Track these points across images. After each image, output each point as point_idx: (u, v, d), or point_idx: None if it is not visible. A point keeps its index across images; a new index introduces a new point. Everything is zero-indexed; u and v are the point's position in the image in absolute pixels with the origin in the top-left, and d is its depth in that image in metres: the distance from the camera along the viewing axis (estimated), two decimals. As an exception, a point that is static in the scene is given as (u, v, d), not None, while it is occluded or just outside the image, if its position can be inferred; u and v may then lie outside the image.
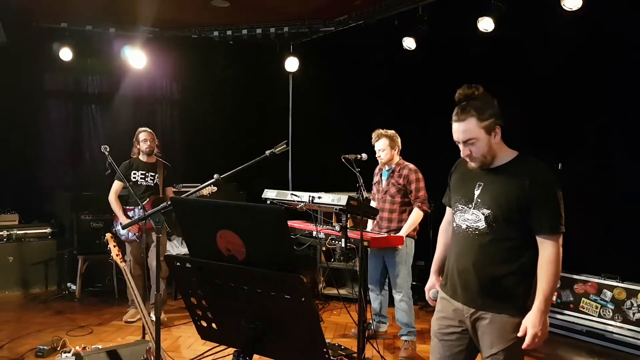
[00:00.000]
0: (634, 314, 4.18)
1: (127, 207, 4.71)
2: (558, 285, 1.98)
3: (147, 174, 4.73)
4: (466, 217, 2.11)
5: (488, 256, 2.05)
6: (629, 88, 4.39)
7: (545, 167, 2.03)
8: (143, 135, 4.73)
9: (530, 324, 1.95)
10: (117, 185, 4.66)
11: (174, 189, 5.05)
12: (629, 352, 4.12)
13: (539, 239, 1.98)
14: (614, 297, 4.29)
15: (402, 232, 3.97)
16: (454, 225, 2.19)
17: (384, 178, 4.20)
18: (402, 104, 6.17)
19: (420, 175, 4.07)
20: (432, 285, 2.41)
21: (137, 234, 4.57)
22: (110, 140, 5.49)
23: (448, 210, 2.41)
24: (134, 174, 4.69)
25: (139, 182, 4.69)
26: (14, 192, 6.14)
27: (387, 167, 4.19)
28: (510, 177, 2.02)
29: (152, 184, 4.73)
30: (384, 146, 4.08)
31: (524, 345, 1.96)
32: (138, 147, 4.75)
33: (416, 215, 4.00)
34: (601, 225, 4.56)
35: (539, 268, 1.98)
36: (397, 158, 4.16)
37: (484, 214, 2.04)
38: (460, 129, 2.04)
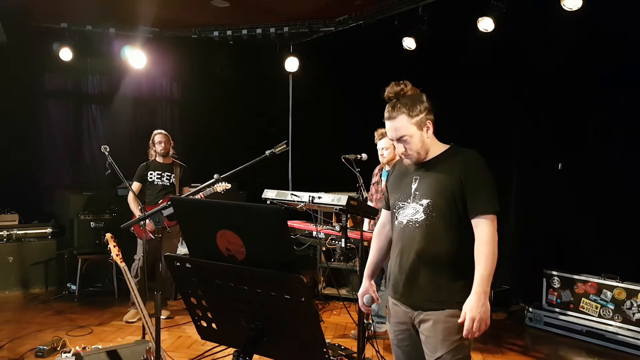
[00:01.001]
0: (634, 314, 4.18)
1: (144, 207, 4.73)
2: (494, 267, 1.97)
3: (163, 174, 4.87)
4: (406, 212, 2.09)
5: (428, 246, 2.00)
6: (629, 88, 4.40)
7: (476, 153, 2.05)
8: (158, 138, 4.90)
9: (468, 308, 1.89)
10: (135, 186, 4.78)
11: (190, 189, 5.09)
12: (629, 352, 4.12)
13: (475, 221, 1.97)
14: (614, 297, 4.30)
15: None
16: (395, 222, 2.15)
17: (384, 178, 4.18)
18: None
19: None
20: (366, 290, 2.33)
21: (153, 232, 4.57)
22: (110, 140, 5.51)
23: (383, 212, 2.37)
24: (150, 174, 4.85)
25: (155, 182, 4.84)
26: (14, 192, 6.14)
27: (387, 167, 4.19)
28: (445, 166, 2.04)
29: (168, 184, 4.87)
30: (388, 145, 4.06)
31: (464, 333, 1.90)
32: (154, 148, 4.91)
33: None
34: (601, 225, 4.57)
35: (476, 250, 1.95)
36: (397, 158, 4.14)
37: (422, 205, 2.03)
38: (392, 127, 2.07)
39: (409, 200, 2.08)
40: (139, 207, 4.61)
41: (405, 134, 2.04)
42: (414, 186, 2.09)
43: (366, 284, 2.34)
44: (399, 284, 2.10)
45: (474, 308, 1.88)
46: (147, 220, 4.38)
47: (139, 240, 4.73)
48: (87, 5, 5.55)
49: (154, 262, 4.41)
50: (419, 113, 2.05)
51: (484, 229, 1.95)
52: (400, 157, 2.14)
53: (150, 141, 4.95)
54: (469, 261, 1.97)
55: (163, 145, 4.87)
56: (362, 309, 2.36)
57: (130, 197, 4.77)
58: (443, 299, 1.99)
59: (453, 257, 1.99)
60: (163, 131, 4.97)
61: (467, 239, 1.99)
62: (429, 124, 2.07)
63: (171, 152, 4.97)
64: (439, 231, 2.00)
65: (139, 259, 4.62)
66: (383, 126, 4.36)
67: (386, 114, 2.09)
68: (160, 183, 4.85)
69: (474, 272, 1.94)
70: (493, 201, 1.98)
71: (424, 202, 2.02)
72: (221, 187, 4.78)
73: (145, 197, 4.86)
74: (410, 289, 2.05)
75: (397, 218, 2.14)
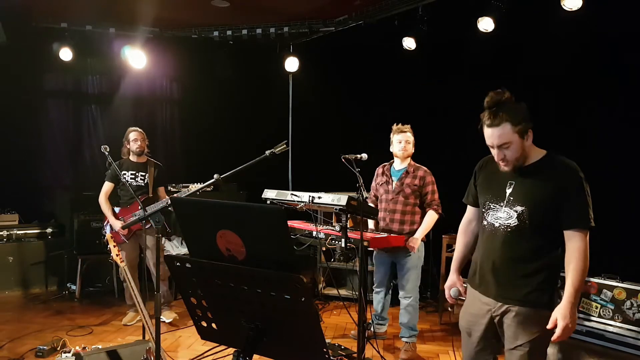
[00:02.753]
0: (634, 314, 4.18)
1: (118, 209, 4.68)
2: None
3: (137, 174, 4.70)
4: (498, 215, 2.19)
5: (519, 252, 2.13)
6: (629, 88, 4.39)
7: (574, 164, 2.13)
8: (133, 135, 4.69)
9: (560, 316, 2.02)
10: (107, 186, 4.63)
11: (173, 189, 5.03)
12: (629, 352, 4.11)
13: (568, 233, 2.07)
14: (614, 297, 4.29)
15: (419, 235, 3.93)
16: (484, 223, 2.26)
17: (395, 178, 4.10)
18: (402, 104, 6.17)
19: (434, 178, 4.06)
20: (453, 283, 2.48)
21: (125, 235, 4.54)
22: (110, 140, 5.47)
23: (469, 209, 2.50)
24: (124, 174, 4.64)
25: (129, 183, 4.64)
26: (14, 192, 6.14)
27: (397, 167, 4.13)
28: (542, 175, 2.11)
29: (143, 184, 4.70)
30: (411, 139, 4.07)
31: (554, 338, 2.04)
32: (128, 147, 4.72)
33: (431, 218, 3.98)
34: (601, 225, 4.56)
35: (568, 261, 2.07)
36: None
37: (516, 211, 2.13)
38: (495, 134, 2.10)
39: (502, 204, 2.18)
40: (127, 206, 4.60)
41: (508, 142, 2.09)
42: (508, 190, 2.18)
43: (453, 278, 2.49)
44: (484, 279, 2.25)
45: (566, 316, 2.02)
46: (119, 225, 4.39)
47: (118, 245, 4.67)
48: (87, 5, 5.54)
49: (141, 265, 4.42)
50: (521, 122, 2.09)
51: (577, 243, 2.06)
52: (498, 163, 2.18)
53: (124, 138, 4.74)
54: (551, 266, 2.13)
55: (139, 143, 4.66)
56: (448, 300, 2.49)
57: (102, 198, 4.62)
58: (526, 297, 2.13)
59: (538, 261, 2.12)
60: (138, 129, 4.76)
61: (554, 246, 2.13)
62: (530, 133, 2.13)
63: (145, 150, 4.76)
64: (528, 238, 2.11)
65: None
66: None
67: (487, 121, 2.13)
68: (135, 184, 4.65)
69: (559, 277, 2.13)
70: (588, 216, 2.07)
71: (519, 209, 2.13)
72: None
73: (120, 198, 4.71)
74: (497, 285, 2.19)
75: (486, 219, 2.25)
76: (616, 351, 4.17)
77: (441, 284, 5.04)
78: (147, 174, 4.72)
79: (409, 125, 4.12)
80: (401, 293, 4.06)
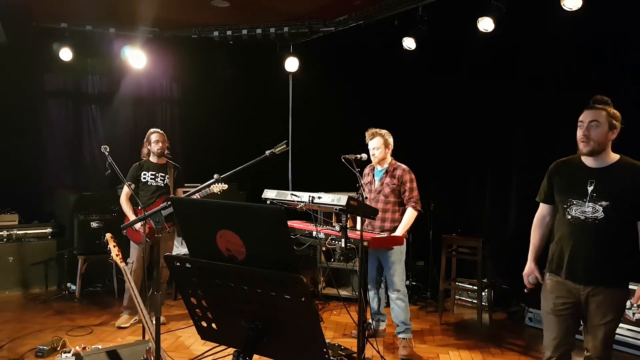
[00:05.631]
0: (633, 314, 4.19)
1: (139, 209, 4.67)
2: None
3: (157, 175, 4.73)
4: (583, 210, 2.52)
5: (606, 241, 2.47)
6: (629, 88, 4.39)
7: None
8: (155, 137, 4.72)
9: None
10: (126, 188, 4.63)
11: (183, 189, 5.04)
12: (629, 352, 4.12)
13: None
14: (614, 297, 4.29)
15: (399, 232, 3.99)
16: (569, 217, 2.57)
17: (377, 178, 4.21)
18: (402, 104, 6.17)
19: (413, 176, 4.11)
20: (531, 271, 2.78)
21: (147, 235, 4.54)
22: (110, 140, 5.49)
23: (543, 206, 2.81)
24: (144, 174, 4.69)
25: (149, 183, 4.69)
26: (14, 192, 6.14)
27: (379, 167, 4.21)
28: (621, 174, 2.47)
29: (162, 185, 4.73)
30: (379, 144, 4.11)
31: (633, 300, 2.50)
32: (149, 147, 4.74)
33: (410, 215, 4.03)
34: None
35: None
36: (389, 157, 4.18)
37: (602, 206, 2.46)
38: (591, 113, 2.51)
39: (585, 200, 2.51)
40: (139, 207, 4.59)
41: (598, 120, 2.47)
42: (590, 188, 2.51)
43: (531, 266, 2.80)
44: (573, 265, 2.55)
45: None
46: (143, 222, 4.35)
47: (132, 243, 4.64)
48: (87, 5, 5.54)
49: (151, 266, 4.39)
50: (616, 118, 2.52)
51: None
52: (579, 143, 2.52)
53: (145, 140, 4.77)
54: (632, 253, 2.50)
55: (160, 145, 4.69)
56: (527, 286, 2.80)
57: (123, 199, 4.66)
58: (612, 279, 2.49)
59: (622, 248, 2.49)
60: (159, 130, 4.79)
61: (633, 235, 2.48)
62: (615, 131, 2.51)
63: (166, 152, 4.80)
64: (615, 228, 2.46)
65: (133, 263, 4.55)
66: (383, 126, 4.37)
67: (591, 103, 2.54)
68: (154, 184, 4.69)
69: (632, 262, 2.51)
70: None
71: (604, 203, 2.46)
72: (217, 187, 4.71)
73: (139, 198, 4.73)
74: (587, 270, 2.51)
75: (569, 213, 2.56)
76: (616, 351, 4.17)
77: (441, 284, 5.04)
78: (167, 175, 4.76)
79: (376, 130, 4.14)
80: (389, 289, 4.14)
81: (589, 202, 2.50)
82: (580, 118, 2.54)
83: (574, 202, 2.55)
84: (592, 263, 2.50)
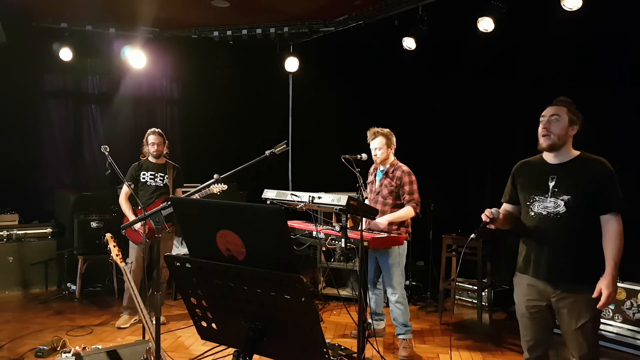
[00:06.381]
0: (634, 314, 4.18)
1: (138, 209, 4.67)
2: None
3: (156, 175, 4.72)
4: (545, 205, 2.52)
5: (570, 235, 2.45)
6: (629, 88, 4.39)
7: (605, 161, 2.49)
8: (152, 139, 4.69)
9: (604, 286, 2.36)
10: (126, 187, 4.61)
11: (182, 190, 5.04)
12: (629, 352, 4.12)
13: (606, 217, 2.44)
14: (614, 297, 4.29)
15: (384, 219, 3.89)
16: (532, 214, 2.56)
17: (378, 178, 4.17)
18: (402, 103, 6.17)
19: (414, 178, 4.03)
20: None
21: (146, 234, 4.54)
22: (110, 140, 5.49)
23: (506, 205, 2.78)
24: (143, 174, 4.69)
25: (148, 183, 4.68)
26: (14, 192, 6.14)
27: (381, 167, 4.17)
28: (582, 168, 2.48)
29: (162, 184, 4.72)
30: (381, 144, 4.06)
31: (599, 305, 2.36)
32: (147, 148, 4.73)
33: (406, 212, 3.94)
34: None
35: (608, 241, 2.43)
36: (392, 157, 4.14)
37: (563, 200, 2.46)
38: (552, 108, 2.55)
39: (547, 195, 2.52)
40: (139, 207, 4.59)
41: (559, 115, 2.50)
42: (551, 183, 2.52)
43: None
44: (539, 263, 2.53)
45: (609, 285, 2.36)
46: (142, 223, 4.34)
47: (130, 243, 4.63)
48: (87, 5, 5.54)
49: (151, 266, 4.38)
50: (575, 115, 2.54)
51: (614, 225, 2.43)
52: (540, 138, 2.54)
53: (144, 139, 4.75)
54: (596, 248, 2.45)
55: (156, 147, 4.66)
56: (486, 214, 2.59)
57: (122, 198, 4.65)
58: (578, 276, 2.45)
59: (587, 244, 2.46)
60: (158, 130, 4.74)
61: (596, 230, 2.46)
62: (575, 128, 2.53)
63: (165, 152, 4.79)
64: (575, 223, 2.45)
65: (132, 263, 4.55)
66: (383, 126, 4.36)
67: (554, 103, 2.58)
68: (154, 184, 4.68)
69: (598, 257, 2.44)
70: (621, 202, 2.45)
71: (565, 197, 2.46)
72: (217, 188, 4.69)
73: (139, 198, 4.73)
74: (551, 266, 2.49)
75: (532, 210, 2.56)
76: (616, 351, 4.17)
77: (441, 284, 5.04)
78: (167, 175, 4.74)
79: (377, 129, 4.10)
80: (388, 290, 4.11)
81: (550, 197, 2.50)
82: (542, 113, 2.57)
83: (537, 198, 2.55)
84: (556, 257, 2.48)
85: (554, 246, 2.48)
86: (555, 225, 2.47)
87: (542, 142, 2.53)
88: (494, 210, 2.59)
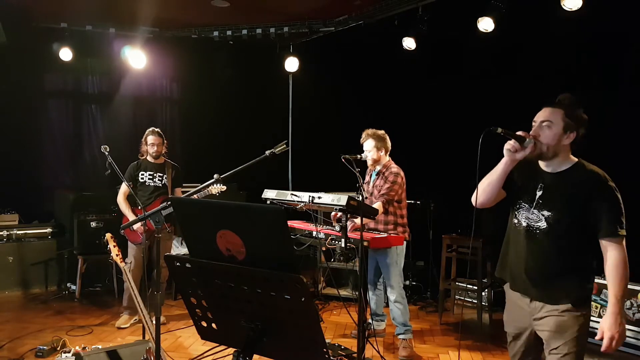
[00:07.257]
0: (634, 314, 4.18)
1: (137, 209, 4.66)
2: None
3: (155, 175, 4.70)
4: (528, 216, 2.23)
5: (549, 254, 2.14)
6: (629, 88, 4.39)
7: (605, 174, 2.13)
8: (151, 139, 4.67)
9: (606, 327, 2.06)
10: (124, 187, 4.61)
11: (182, 189, 5.04)
12: (629, 352, 4.12)
13: (604, 243, 2.08)
14: (614, 297, 4.29)
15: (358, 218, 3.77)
16: (515, 221, 2.30)
17: (372, 180, 4.21)
18: (402, 103, 6.17)
19: (399, 179, 4.01)
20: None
21: (142, 233, 4.54)
22: (110, 140, 5.49)
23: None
24: (142, 174, 4.67)
25: (147, 183, 4.67)
26: (14, 192, 6.14)
27: (375, 169, 4.19)
28: (572, 183, 2.12)
29: (161, 185, 4.70)
30: (370, 147, 4.07)
31: (602, 349, 2.07)
32: (146, 148, 4.71)
33: (376, 205, 3.85)
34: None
35: (607, 272, 2.08)
36: (385, 159, 4.14)
37: (544, 215, 2.16)
38: (545, 112, 2.18)
39: (532, 205, 2.21)
40: (139, 207, 4.58)
41: (551, 121, 2.14)
42: (538, 193, 2.21)
43: None
44: (519, 278, 2.27)
45: (611, 327, 2.05)
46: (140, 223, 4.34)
47: (129, 243, 4.62)
48: (87, 5, 5.55)
49: (150, 266, 4.38)
50: (574, 120, 2.16)
51: (614, 252, 2.06)
52: (530, 138, 2.15)
53: (143, 139, 4.73)
54: (580, 269, 2.14)
55: (155, 148, 4.65)
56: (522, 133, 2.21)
57: (120, 198, 4.64)
58: (558, 297, 2.13)
59: (568, 263, 2.13)
60: (157, 130, 4.72)
61: (583, 250, 2.13)
62: (573, 135, 2.16)
63: (163, 151, 4.77)
64: (557, 242, 2.13)
65: (130, 263, 4.53)
66: (383, 126, 4.36)
67: (549, 103, 2.22)
68: (152, 184, 4.66)
69: (591, 278, 2.15)
70: (622, 225, 2.06)
71: (546, 213, 2.15)
72: (216, 189, 4.67)
73: (138, 198, 4.72)
74: (531, 284, 2.21)
75: (517, 217, 2.28)
76: (616, 351, 4.17)
77: (441, 284, 5.04)
78: (165, 175, 4.72)
79: (369, 132, 4.10)
80: (387, 290, 4.13)
81: (534, 208, 2.20)
82: (535, 117, 2.23)
83: (523, 205, 2.25)
84: (535, 277, 2.19)
85: (532, 264, 2.19)
86: (535, 242, 2.18)
87: (529, 150, 2.15)
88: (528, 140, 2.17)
